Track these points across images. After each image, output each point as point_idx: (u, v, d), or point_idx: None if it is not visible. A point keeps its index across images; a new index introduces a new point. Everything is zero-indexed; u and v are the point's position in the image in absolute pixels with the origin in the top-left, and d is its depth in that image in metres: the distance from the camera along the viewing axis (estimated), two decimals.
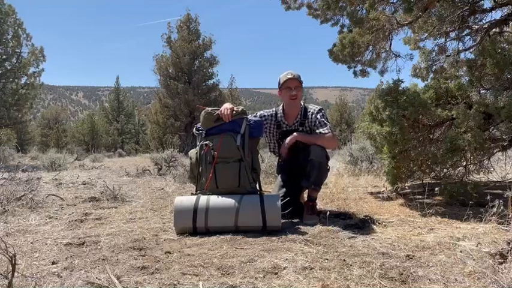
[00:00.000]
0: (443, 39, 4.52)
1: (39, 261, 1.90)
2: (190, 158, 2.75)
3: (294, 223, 2.72)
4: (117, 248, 2.13)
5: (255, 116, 3.06)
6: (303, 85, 3.03)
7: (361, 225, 2.56)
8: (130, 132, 43.66)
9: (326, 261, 1.84)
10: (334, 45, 4.44)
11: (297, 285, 1.53)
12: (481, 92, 3.28)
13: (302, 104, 3.02)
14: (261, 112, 3.13)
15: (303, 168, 2.80)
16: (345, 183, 4.95)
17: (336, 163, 7.10)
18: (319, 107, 3.02)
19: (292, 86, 2.90)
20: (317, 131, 2.89)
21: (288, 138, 2.89)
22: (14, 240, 2.32)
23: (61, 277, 1.65)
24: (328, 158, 2.90)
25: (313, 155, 2.75)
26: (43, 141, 38.38)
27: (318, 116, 2.92)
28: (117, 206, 3.62)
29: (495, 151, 3.45)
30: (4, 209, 3.16)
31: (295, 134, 2.90)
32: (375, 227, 2.57)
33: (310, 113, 2.97)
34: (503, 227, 2.28)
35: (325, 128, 2.87)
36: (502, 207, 2.27)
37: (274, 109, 3.12)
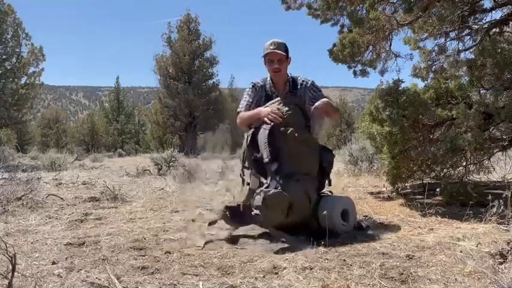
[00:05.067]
0: (443, 39, 4.51)
1: (39, 261, 1.90)
2: None
3: None
4: (117, 248, 2.13)
5: (249, 91, 2.78)
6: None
7: (361, 225, 2.55)
8: (130, 132, 43.60)
9: (326, 261, 1.84)
10: (334, 45, 4.43)
11: (297, 285, 1.53)
12: (481, 92, 3.28)
13: (289, 74, 2.76)
14: (255, 82, 2.79)
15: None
16: (345, 183, 4.95)
17: (336, 163, 7.09)
18: (311, 80, 2.74)
19: (275, 59, 2.64)
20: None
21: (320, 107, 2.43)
22: (14, 240, 2.32)
23: (61, 277, 1.65)
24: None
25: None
26: (43, 141, 38.34)
27: (315, 89, 2.68)
28: (117, 206, 3.62)
29: (495, 151, 3.44)
30: (4, 209, 3.16)
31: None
32: (375, 227, 2.57)
33: (303, 85, 2.70)
34: (503, 227, 2.28)
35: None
36: (502, 207, 2.27)
37: (262, 78, 2.81)
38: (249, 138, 2.50)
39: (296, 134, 2.40)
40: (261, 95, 2.75)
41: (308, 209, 2.35)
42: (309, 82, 2.70)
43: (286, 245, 2.14)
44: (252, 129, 2.52)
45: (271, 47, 2.63)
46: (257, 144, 2.45)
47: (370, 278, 1.60)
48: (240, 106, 2.75)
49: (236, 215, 2.47)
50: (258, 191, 2.23)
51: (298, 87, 2.70)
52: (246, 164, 2.57)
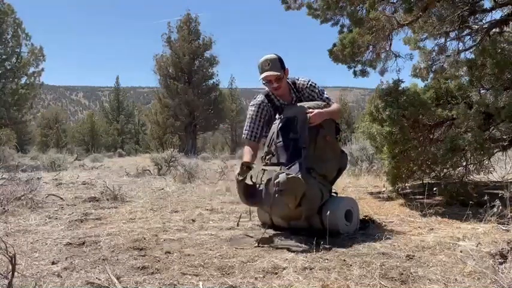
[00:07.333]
0: (443, 39, 4.52)
1: (39, 261, 1.90)
2: None
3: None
4: (117, 248, 2.13)
5: (252, 115, 2.74)
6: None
7: (361, 225, 2.56)
8: (130, 132, 43.67)
9: (326, 261, 1.84)
10: (334, 45, 4.43)
11: (297, 285, 1.53)
12: (481, 92, 3.28)
13: (288, 79, 2.72)
14: (259, 102, 2.73)
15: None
16: (345, 183, 4.95)
17: None
18: (307, 80, 2.71)
19: (272, 79, 2.58)
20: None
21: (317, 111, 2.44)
22: (14, 240, 2.32)
23: (61, 277, 1.65)
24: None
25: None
26: (43, 141, 38.35)
27: (318, 91, 2.70)
28: (117, 206, 3.62)
29: (495, 151, 3.44)
30: (4, 209, 3.15)
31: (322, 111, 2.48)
32: (374, 226, 2.57)
33: (305, 87, 2.70)
34: (503, 227, 2.28)
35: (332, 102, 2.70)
36: (501, 207, 2.27)
37: (265, 94, 2.75)
38: (280, 125, 2.52)
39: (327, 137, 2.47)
40: (269, 111, 2.72)
41: (317, 207, 2.37)
42: (307, 82, 2.71)
43: (286, 245, 2.15)
44: (285, 118, 2.53)
45: (266, 68, 2.57)
46: (289, 129, 2.47)
47: (370, 278, 1.60)
48: (244, 132, 2.74)
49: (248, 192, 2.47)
50: (279, 171, 2.24)
51: (302, 92, 2.71)
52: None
